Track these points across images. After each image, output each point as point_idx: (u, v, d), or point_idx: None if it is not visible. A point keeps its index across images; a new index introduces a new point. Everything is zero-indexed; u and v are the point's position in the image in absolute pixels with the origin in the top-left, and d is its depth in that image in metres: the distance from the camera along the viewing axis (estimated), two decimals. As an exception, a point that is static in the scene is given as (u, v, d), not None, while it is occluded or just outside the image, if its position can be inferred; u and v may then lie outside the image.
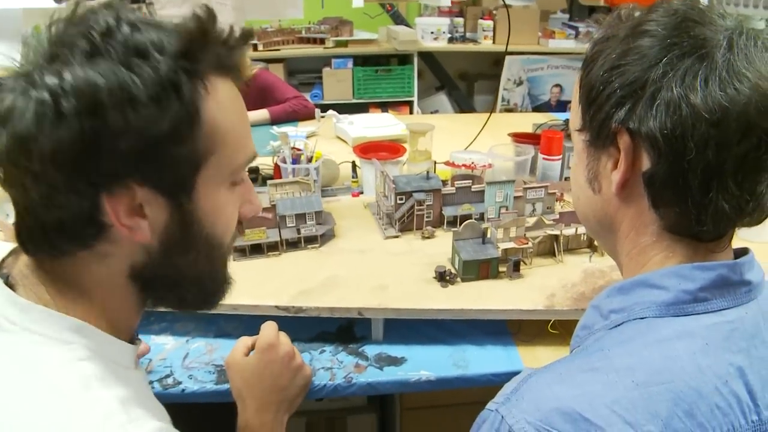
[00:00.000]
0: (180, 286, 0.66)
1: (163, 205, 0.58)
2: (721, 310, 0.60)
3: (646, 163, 0.60)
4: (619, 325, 0.63)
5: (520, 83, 3.83)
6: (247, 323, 1.12)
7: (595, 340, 0.63)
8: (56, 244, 0.57)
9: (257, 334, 1.09)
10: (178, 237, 0.60)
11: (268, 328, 0.95)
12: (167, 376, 1.00)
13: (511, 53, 3.69)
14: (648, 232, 0.64)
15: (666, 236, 0.63)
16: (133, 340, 0.69)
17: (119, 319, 0.64)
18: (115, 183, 0.54)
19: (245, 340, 0.95)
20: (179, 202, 0.58)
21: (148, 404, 0.61)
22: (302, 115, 2.44)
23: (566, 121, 1.74)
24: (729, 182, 0.57)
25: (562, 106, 3.84)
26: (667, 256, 0.63)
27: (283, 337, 0.95)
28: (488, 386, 1.02)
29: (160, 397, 0.95)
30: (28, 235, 0.58)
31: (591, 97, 0.63)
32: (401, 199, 1.27)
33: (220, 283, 0.70)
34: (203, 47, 0.56)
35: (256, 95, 2.46)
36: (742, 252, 0.64)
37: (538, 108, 3.86)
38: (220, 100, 0.59)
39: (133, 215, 0.56)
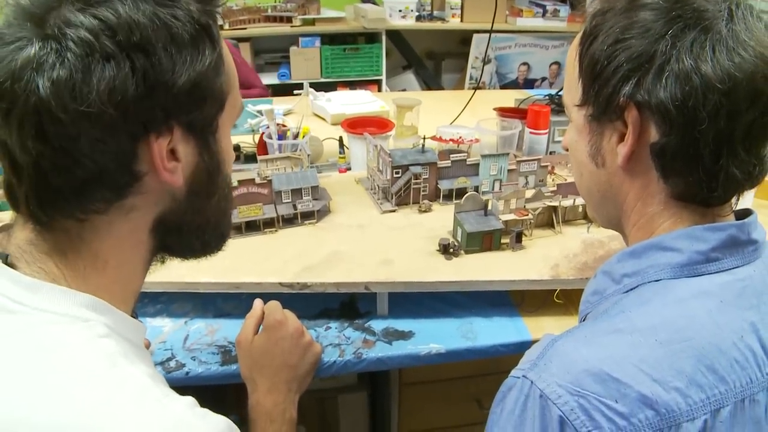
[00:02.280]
0: (203, 230, 0.65)
1: (193, 147, 0.58)
2: (732, 268, 0.61)
3: (654, 135, 0.60)
4: (633, 288, 0.64)
5: (488, 61, 3.83)
6: (246, 302, 1.08)
7: (613, 303, 0.64)
8: (87, 201, 0.54)
9: (258, 312, 1.06)
10: (205, 179, 0.61)
11: (273, 307, 0.93)
12: (169, 360, 0.96)
13: (479, 31, 3.68)
14: (655, 201, 0.64)
15: (673, 204, 0.64)
16: (135, 316, 0.66)
17: (129, 286, 0.62)
18: (164, 124, 0.54)
19: (254, 319, 0.92)
20: (207, 142, 0.59)
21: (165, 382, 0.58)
22: None
23: (549, 96, 1.74)
24: (738, 149, 0.58)
25: (529, 84, 3.86)
26: (675, 222, 0.64)
27: (290, 315, 0.93)
28: (497, 357, 1.02)
29: (164, 380, 0.93)
30: (49, 199, 0.53)
31: (595, 71, 0.63)
32: (398, 172, 1.25)
33: (229, 223, 0.71)
34: None
35: None
36: (745, 213, 0.66)
37: (506, 86, 3.86)
38: (224, 44, 0.61)
39: (171, 159, 0.56)
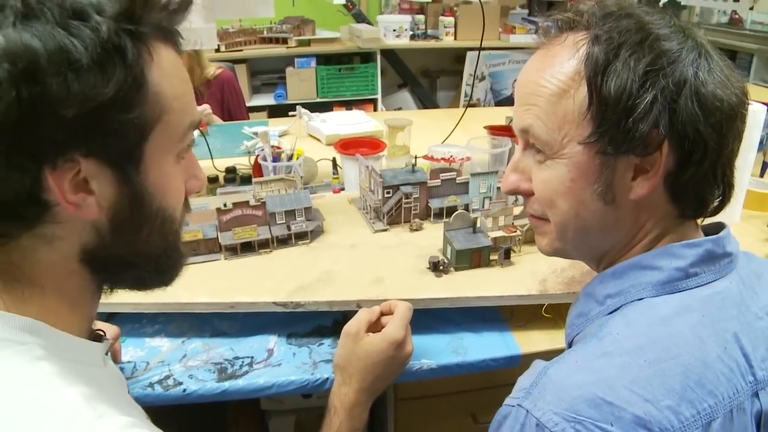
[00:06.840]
0: (135, 266, 0.62)
1: (110, 179, 0.54)
2: (710, 282, 0.64)
3: (672, 164, 0.62)
4: (618, 308, 0.66)
5: (483, 78, 3.89)
6: (243, 321, 1.11)
7: (599, 326, 0.65)
8: None
9: (253, 332, 1.09)
10: (128, 213, 0.57)
11: (404, 320, 0.92)
12: (167, 377, 0.98)
13: (472, 49, 3.74)
14: (660, 225, 0.67)
15: (672, 222, 0.67)
16: (100, 337, 0.66)
17: (76, 310, 0.61)
18: (58, 155, 0.50)
19: (370, 313, 0.93)
20: (127, 174, 0.55)
21: (119, 402, 0.57)
22: None
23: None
24: (733, 166, 0.63)
25: (523, 100, 3.90)
26: (672, 239, 0.67)
27: (408, 334, 0.92)
28: (487, 371, 1.04)
29: (161, 399, 0.95)
30: None
31: (619, 107, 0.60)
32: (388, 192, 1.28)
33: (176, 259, 0.67)
34: (145, 8, 0.53)
35: (219, 95, 2.48)
36: (718, 227, 0.70)
37: (501, 102, 3.93)
38: (164, 66, 0.56)
39: (79, 191, 0.53)
